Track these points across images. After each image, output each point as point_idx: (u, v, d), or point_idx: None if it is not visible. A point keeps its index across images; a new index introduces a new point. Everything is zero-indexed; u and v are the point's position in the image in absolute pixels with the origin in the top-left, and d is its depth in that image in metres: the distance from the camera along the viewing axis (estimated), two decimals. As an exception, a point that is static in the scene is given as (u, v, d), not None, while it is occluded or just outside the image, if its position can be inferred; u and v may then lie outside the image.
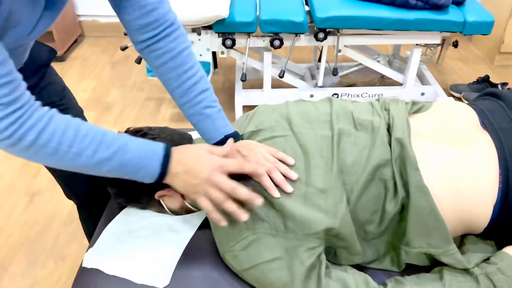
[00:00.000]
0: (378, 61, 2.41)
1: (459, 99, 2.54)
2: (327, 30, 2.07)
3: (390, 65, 2.53)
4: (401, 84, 2.38)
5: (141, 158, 0.75)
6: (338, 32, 2.11)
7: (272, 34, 2.06)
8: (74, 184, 1.16)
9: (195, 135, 1.07)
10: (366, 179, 0.85)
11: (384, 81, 2.60)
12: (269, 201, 0.83)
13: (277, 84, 2.38)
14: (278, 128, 0.93)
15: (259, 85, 2.34)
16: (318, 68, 2.34)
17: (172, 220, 1.01)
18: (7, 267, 1.61)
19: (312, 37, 2.10)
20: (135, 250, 0.93)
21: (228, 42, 2.06)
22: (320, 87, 2.33)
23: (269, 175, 0.83)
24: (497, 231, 0.88)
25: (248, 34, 2.09)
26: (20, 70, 0.68)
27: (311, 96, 2.31)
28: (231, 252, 0.85)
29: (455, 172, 0.85)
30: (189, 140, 1.00)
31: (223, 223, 0.79)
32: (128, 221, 1.02)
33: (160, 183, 0.95)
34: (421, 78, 2.49)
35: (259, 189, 0.83)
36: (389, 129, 0.92)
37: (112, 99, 2.57)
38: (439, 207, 0.83)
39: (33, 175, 2.02)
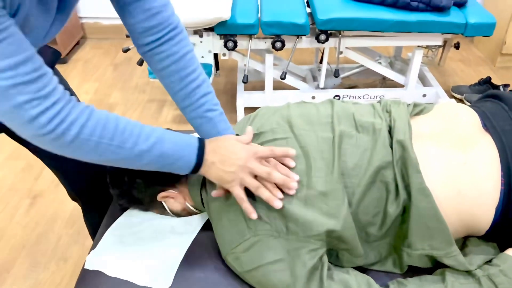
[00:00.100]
0: (380, 63, 2.41)
1: (460, 100, 2.54)
2: (329, 32, 2.08)
3: (391, 67, 2.53)
4: (402, 86, 2.37)
5: (178, 149, 0.78)
6: (340, 34, 2.11)
7: (273, 36, 2.07)
8: (78, 184, 1.16)
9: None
10: (368, 182, 0.85)
11: (385, 82, 2.60)
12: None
13: (278, 86, 2.38)
14: (279, 130, 0.93)
15: (261, 87, 2.34)
16: (319, 70, 2.34)
17: (174, 221, 1.01)
18: (9, 269, 1.61)
19: (314, 39, 2.10)
20: (137, 252, 0.93)
21: (230, 44, 2.06)
22: (322, 88, 2.34)
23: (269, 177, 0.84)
24: (499, 233, 0.88)
25: (250, 36, 2.10)
26: None
27: (313, 97, 2.31)
28: (233, 253, 0.85)
29: (456, 174, 0.85)
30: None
31: (254, 215, 0.81)
32: (130, 223, 1.02)
33: (162, 184, 0.95)
34: (423, 80, 2.49)
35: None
36: (390, 131, 0.92)
37: (114, 101, 2.58)
38: (440, 209, 0.83)
39: (35, 177, 2.03)
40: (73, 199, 1.24)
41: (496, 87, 2.52)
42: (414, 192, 0.83)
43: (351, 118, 0.95)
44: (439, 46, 2.26)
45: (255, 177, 0.82)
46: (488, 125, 0.92)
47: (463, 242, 0.93)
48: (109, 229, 1.01)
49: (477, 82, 2.58)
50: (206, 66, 2.13)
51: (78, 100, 0.73)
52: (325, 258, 0.85)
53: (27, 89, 0.61)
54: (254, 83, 2.61)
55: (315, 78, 2.49)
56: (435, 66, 2.49)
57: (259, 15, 2.07)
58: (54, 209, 1.86)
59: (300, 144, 0.89)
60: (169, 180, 0.97)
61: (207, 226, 0.98)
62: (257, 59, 2.30)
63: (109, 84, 2.75)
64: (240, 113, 2.27)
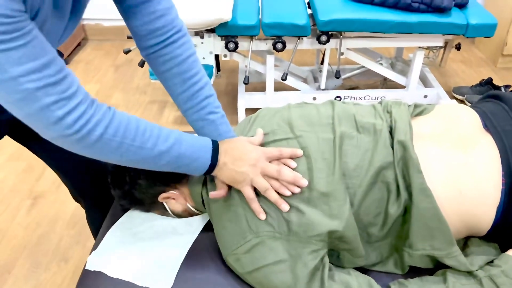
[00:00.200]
0: (381, 64, 2.41)
1: (462, 101, 2.54)
2: (330, 33, 2.08)
3: (392, 68, 2.53)
4: (403, 87, 2.37)
5: (194, 151, 0.79)
6: (341, 35, 2.11)
7: (274, 37, 2.07)
8: (80, 184, 1.16)
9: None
10: (369, 182, 0.85)
11: (386, 83, 2.60)
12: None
13: (279, 87, 2.38)
14: (280, 132, 0.93)
15: (262, 88, 2.34)
16: (320, 71, 2.34)
17: (175, 222, 1.01)
18: (10, 269, 1.61)
19: (315, 40, 2.11)
20: (138, 253, 0.94)
21: (231, 45, 2.06)
22: (323, 89, 2.34)
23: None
24: (501, 234, 0.88)
25: (251, 37, 2.10)
26: None
27: (314, 98, 2.31)
28: (234, 255, 0.85)
29: (457, 174, 0.85)
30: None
31: (263, 215, 0.82)
32: (132, 224, 1.02)
33: (163, 185, 0.95)
34: (424, 81, 2.49)
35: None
36: (391, 132, 0.92)
37: (115, 102, 2.58)
38: (442, 209, 0.83)
39: (37, 178, 2.03)
40: (76, 200, 1.24)
41: (497, 88, 2.52)
42: (415, 192, 0.83)
43: (352, 119, 0.95)
44: (440, 47, 2.26)
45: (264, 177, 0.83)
46: (488, 125, 0.92)
47: (464, 243, 0.93)
48: (110, 230, 1.01)
49: (478, 83, 2.58)
50: (207, 67, 2.13)
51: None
52: (327, 259, 0.85)
53: (53, 91, 0.62)
54: (255, 84, 2.62)
55: (316, 79, 2.49)
56: (436, 67, 2.49)
57: (260, 16, 2.07)
58: (55, 210, 1.86)
59: (301, 145, 0.89)
60: (170, 181, 0.98)
61: (208, 227, 0.98)
62: (258, 60, 2.31)
63: (110, 85, 2.75)
64: (241, 114, 2.28)
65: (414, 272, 0.91)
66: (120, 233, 1.00)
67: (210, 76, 2.11)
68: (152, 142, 0.74)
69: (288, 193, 0.82)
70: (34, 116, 0.62)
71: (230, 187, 0.87)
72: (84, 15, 0.81)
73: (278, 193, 0.83)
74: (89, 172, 1.12)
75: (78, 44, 3.17)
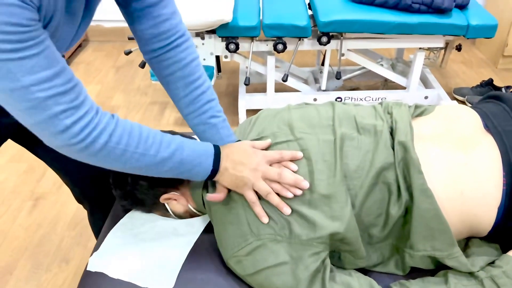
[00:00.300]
0: (382, 65, 2.41)
1: (462, 102, 2.54)
2: (330, 34, 2.08)
3: (393, 69, 2.53)
4: (404, 88, 2.37)
5: (196, 156, 0.80)
6: (341, 36, 2.11)
7: (275, 38, 2.07)
8: (82, 184, 1.16)
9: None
10: (370, 183, 0.85)
11: (387, 84, 2.60)
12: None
13: (280, 88, 2.38)
14: (281, 134, 0.93)
15: (263, 89, 2.35)
16: (321, 72, 2.34)
17: (176, 223, 1.01)
18: (12, 270, 1.61)
19: (315, 41, 2.11)
20: (139, 254, 0.94)
21: (232, 46, 2.06)
22: (324, 90, 2.34)
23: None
24: (502, 234, 0.88)
25: (252, 38, 2.10)
26: None
27: (315, 99, 2.31)
28: (235, 257, 0.85)
29: (458, 174, 0.85)
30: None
31: (265, 219, 0.82)
32: (133, 224, 1.02)
33: (165, 186, 0.95)
34: (425, 82, 2.49)
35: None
36: (392, 133, 0.92)
37: (116, 103, 2.58)
38: (443, 210, 0.83)
39: (37, 179, 2.03)
40: (79, 201, 1.24)
41: (498, 89, 2.52)
42: (416, 193, 0.83)
43: (352, 120, 0.95)
44: (441, 48, 2.26)
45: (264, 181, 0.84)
46: (489, 125, 0.92)
47: (465, 243, 0.93)
48: (112, 231, 1.01)
49: (479, 84, 2.58)
50: (208, 68, 2.14)
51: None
52: (328, 261, 0.85)
53: (63, 100, 0.62)
54: (256, 85, 2.62)
55: (317, 80, 2.49)
56: (437, 68, 2.49)
57: (261, 17, 2.08)
58: (57, 211, 1.86)
59: (301, 148, 0.89)
60: (172, 182, 0.98)
61: (209, 228, 0.98)
62: (259, 61, 2.31)
63: (111, 86, 2.75)
64: (242, 115, 2.28)
65: (415, 272, 0.91)
66: (121, 234, 1.00)
67: (210, 77, 2.11)
68: (155, 148, 0.74)
69: (290, 195, 0.82)
70: (42, 124, 0.63)
71: (229, 190, 0.88)
72: (85, 16, 0.81)
73: (279, 195, 0.83)
74: (92, 174, 1.12)
75: (79, 45, 3.18)
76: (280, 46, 2.05)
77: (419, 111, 0.99)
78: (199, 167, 0.81)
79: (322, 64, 2.31)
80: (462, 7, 2.09)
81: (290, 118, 0.96)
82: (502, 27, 2.73)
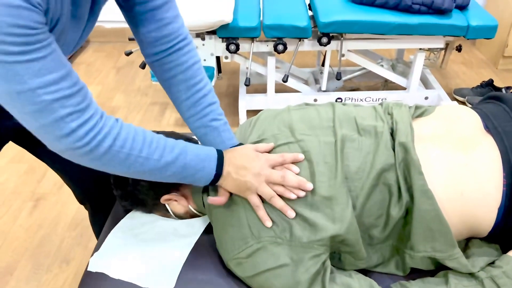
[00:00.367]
0: (382, 66, 2.41)
1: (463, 103, 2.54)
2: (331, 34, 2.08)
3: (393, 69, 2.53)
4: (404, 88, 2.38)
5: (199, 161, 0.80)
6: (342, 36, 2.11)
7: (275, 39, 2.07)
8: (83, 185, 1.17)
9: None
10: (371, 185, 0.85)
11: (387, 85, 2.61)
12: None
13: (280, 89, 2.38)
14: (281, 136, 0.93)
15: (263, 90, 2.35)
16: (321, 73, 2.34)
17: (177, 224, 1.01)
18: (12, 271, 1.61)
19: (316, 42, 2.11)
20: (140, 254, 0.94)
21: (232, 47, 2.06)
22: (324, 91, 2.34)
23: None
24: (502, 235, 0.88)
25: (252, 39, 2.10)
26: None
27: (315, 100, 2.31)
28: (236, 259, 0.85)
29: (459, 175, 0.85)
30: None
31: (269, 223, 0.82)
32: (133, 225, 1.02)
33: (165, 187, 0.95)
34: (425, 82, 2.49)
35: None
36: (392, 134, 0.92)
37: (116, 104, 2.59)
38: (443, 211, 0.83)
39: (38, 180, 2.03)
40: (81, 202, 1.24)
41: (498, 89, 2.52)
42: (416, 194, 0.83)
43: (353, 121, 0.95)
44: (441, 49, 2.26)
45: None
46: (489, 126, 0.92)
47: (466, 244, 0.93)
48: (112, 231, 1.01)
49: (479, 84, 2.58)
50: (208, 69, 2.14)
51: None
52: (328, 263, 0.85)
53: (69, 103, 0.62)
54: (256, 86, 2.62)
55: (317, 81, 2.50)
56: (437, 68, 2.49)
57: (261, 18, 2.08)
58: (57, 211, 1.86)
59: (302, 150, 0.89)
60: (173, 183, 0.98)
61: (209, 228, 0.98)
62: (259, 62, 2.31)
63: (111, 87, 2.76)
64: (242, 116, 2.28)
65: (415, 273, 0.91)
66: (122, 234, 1.00)
67: (211, 78, 2.11)
68: (158, 153, 0.74)
69: (293, 196, 0.82)
70: (47, 127, 0.63)
71: (231, 193, 0.88)
72: (85, 17, 0.81)
73: (283, 198, 0.83)
74: (94, 175, 1.12)
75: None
76: (280, 47, 2.06)
77: (419, 112, 0.99)
78: (203, 172, 0.81)
79: (322, 64, 2.31)
80: (462, 7, 2.09)
81: (290, 119, 0.96)
82: (502, 28, 2.73)
